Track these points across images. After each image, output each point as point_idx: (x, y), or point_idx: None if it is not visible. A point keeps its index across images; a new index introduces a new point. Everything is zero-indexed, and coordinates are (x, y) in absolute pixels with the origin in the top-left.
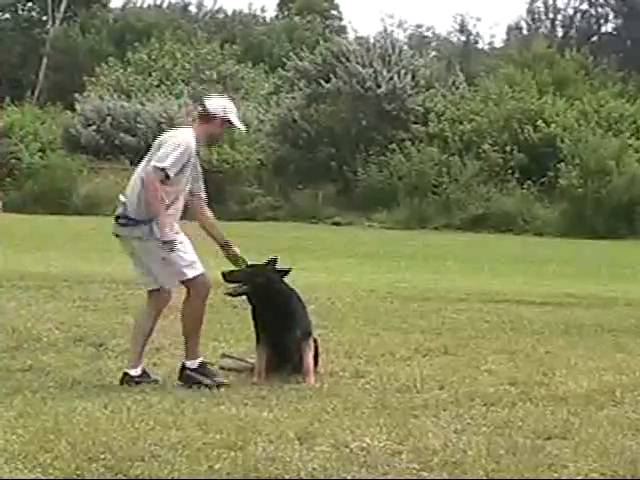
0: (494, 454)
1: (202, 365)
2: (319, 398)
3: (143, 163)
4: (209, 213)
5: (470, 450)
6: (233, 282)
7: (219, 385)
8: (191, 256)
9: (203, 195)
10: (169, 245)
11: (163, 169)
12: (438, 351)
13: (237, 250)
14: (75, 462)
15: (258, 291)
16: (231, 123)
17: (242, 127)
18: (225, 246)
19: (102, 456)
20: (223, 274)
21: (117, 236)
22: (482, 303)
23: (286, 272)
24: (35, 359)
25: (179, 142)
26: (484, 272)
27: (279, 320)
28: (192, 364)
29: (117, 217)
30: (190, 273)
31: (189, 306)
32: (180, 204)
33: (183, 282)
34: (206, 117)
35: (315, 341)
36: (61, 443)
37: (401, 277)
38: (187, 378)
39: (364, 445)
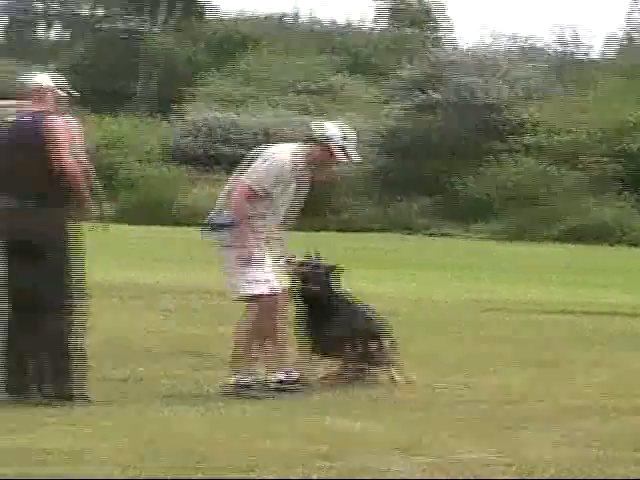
0: (595, 467)
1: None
2: (415, 410)
3: (237, 173)
4: (276, 231)
5: (568, 463)
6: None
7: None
8: (262, 274)
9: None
10: (243, 260)
11: (250, 186)
12: (537, 363)
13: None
14: (172, 472)
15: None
16: (345, 152)
17: (357, 159)
18: (288, 263)
19: (200, 466)
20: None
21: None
22: (580, 315)
23: (333, 267)
24: (133, 369)
25: (275, 159)
26: (582, 283)
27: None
28: (240, 379)
29: (205, 224)
30: (255, 290)
31: (248, 323)
32: (271, 221)
33: (248, 298)
34: (315, 141)
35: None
36: (159, 453)
37: (498, 288)
38: (237, 393)
39: (461, 457)
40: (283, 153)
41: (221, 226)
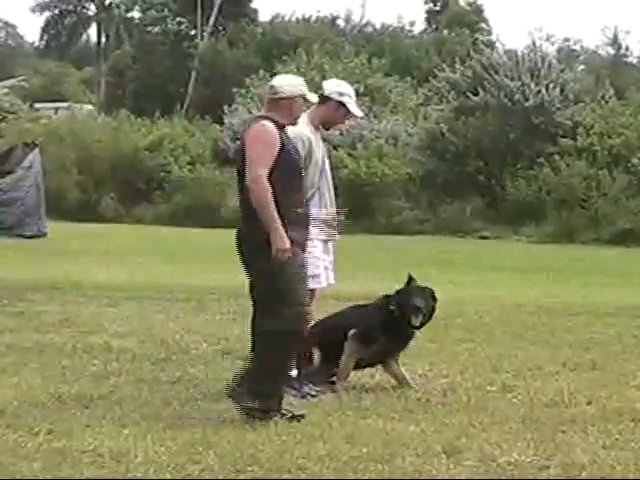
0: (630, 469)
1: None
2: (466, 412)
3: None
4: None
5: (619, 466)
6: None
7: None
8: (311, 269)
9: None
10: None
11: None
12: (586, 366)
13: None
14: (223, 474)
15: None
16: (346, 108)
17: (359, 113)
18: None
19: (250, 468)
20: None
21: None
22: (631, 318)
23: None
24: (184, 371)
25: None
26: (633, 286)
27: None
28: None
29: None
30: (310, 284)
31: None
32: (326, 203)
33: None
34: (321, 99)
35: None
36: (209, 455)
37: (549, 291)
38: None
39: (511, 460)
40: (295, 130)
41: None
